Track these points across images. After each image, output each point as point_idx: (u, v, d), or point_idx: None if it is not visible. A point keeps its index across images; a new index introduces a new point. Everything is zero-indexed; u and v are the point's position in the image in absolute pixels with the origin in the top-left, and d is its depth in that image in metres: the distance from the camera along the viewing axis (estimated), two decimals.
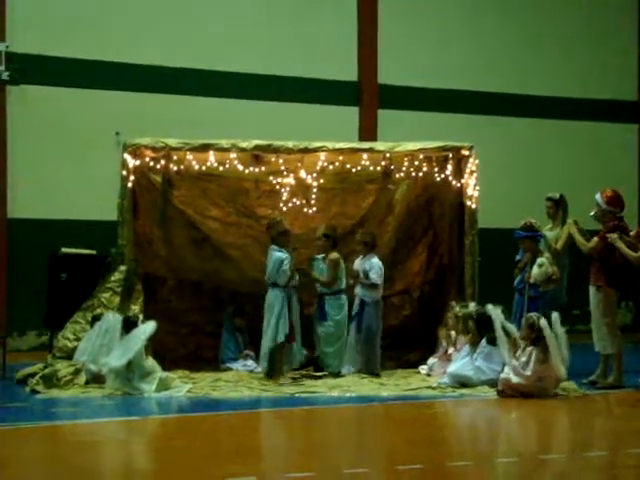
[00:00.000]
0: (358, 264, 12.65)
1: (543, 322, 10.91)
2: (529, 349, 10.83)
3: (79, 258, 13.43)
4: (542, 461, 7.98)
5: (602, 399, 11.14)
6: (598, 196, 11.71)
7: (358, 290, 12.57)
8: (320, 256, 12.55)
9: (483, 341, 11.47)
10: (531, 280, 11.97)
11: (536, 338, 10.86)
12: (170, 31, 16.42)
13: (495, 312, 11.43)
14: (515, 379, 10.77)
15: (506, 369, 10.95)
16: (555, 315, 11.09)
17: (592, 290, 11.68)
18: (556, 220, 12.93)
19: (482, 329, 11.55)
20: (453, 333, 12.37)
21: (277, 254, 12.12)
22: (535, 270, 11.94)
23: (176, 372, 12.04)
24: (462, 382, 11.38)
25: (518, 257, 12.62)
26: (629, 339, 13.44)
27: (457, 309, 12.26)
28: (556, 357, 10.88)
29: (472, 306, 12.05)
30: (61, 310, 12.67)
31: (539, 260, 11.98)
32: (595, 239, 11.61)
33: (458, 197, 13.17)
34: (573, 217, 12.48)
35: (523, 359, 10.84)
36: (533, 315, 11.12)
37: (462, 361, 11.58)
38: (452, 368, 11.61)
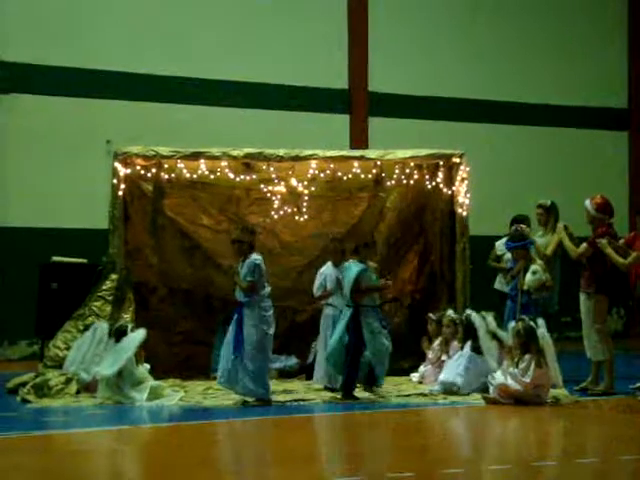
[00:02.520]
0: (335, 273, 12.01)
1: (540, 331, 10.94)
2: (528, 356, 10.82)
3: (70, 267, 13.39)
4: (534, 468, 7.97)
5: (593, 406, 11.13)
6: (587, 203, 11.73)
7: (339, 301, 11.82)
8: (360, 266, 11.33)
9: (468, 349, 11.54)
10: (525, 287, 11.99)
11: (525, 344, 10.86)
12: (161, 40, 16.44)
13: (479, 320, 11.49)
14: (514, 386, 10.76)
15: (499, 375, 10.94)
16: (540, 322, 11.11)
17: (583, 297, 11.70)
18: (547, 227, 12.93)
19: (469, 335, 11.64)
20: (438, 341, 12.39)
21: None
22: (529, 277, 11.97)
23: (167, 380, 12.04)
24: (452, 389, 11.39)
25: (510, 264, 12.64)
26: (620, 345, 13.45)
27: (453, 315, 12.24)
28: (553, 363, 10.92)
29: (450, 312, 12.17)
30: (52, 319, 12.63)
31: (533, 267, 12.01)
32: (584, 245, 11.63)
33: (449, 204, 13.21)
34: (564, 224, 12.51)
35: (522, 366, 10.83)
36: (518, 323, 11.13)
37: (452, 368, 11.59)
38: (443, 376, 11.62)
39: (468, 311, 12.06)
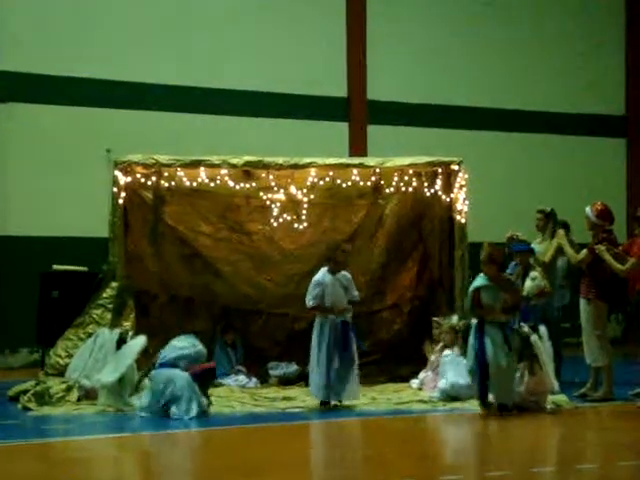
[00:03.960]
0: (333, 282, 11.39)
1: (533, 338, 10.98)
2: (521, 365, 10.85)
3: (70, 275, 13.45)
4: (533, 474, 8.01)
5: (593, 412, 11.16)
6: (588, 209, 11.75)
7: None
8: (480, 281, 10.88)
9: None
10: (524, 293, 12.04)
11: (519, 352, 10.90)
12: (160, 48, 16.49)
13: None
14: None
15: None
16: (542, 329, 11.17)
17: (582, 303, 11.72)
18: (545, 233, 12.97)
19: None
20: (438, 347, 12.40)
21: None
22: (528, 283, 12.01)
23: None
24: (453, 395, 11.41)
25: (508, 271, 12.68)
26: (619, 351, 13.47)
27: (454, 321, 12.25)
28: (549, 369, 10.94)
29: (455, 319, 12.18)
30: (53, 327, 12.68)
31: (532, 274, 12.06)
32: (584, 251, 11.68)
33: (448, 212, 13.26)
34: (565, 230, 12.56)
35: (517, 374, 10.87)
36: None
37: (453, 375, 11.60)
38: (442, 383, 11.62)
39: (455, 318, 12.08)
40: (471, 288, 10.95)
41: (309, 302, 11.35)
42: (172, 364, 10.91)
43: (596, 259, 11.49)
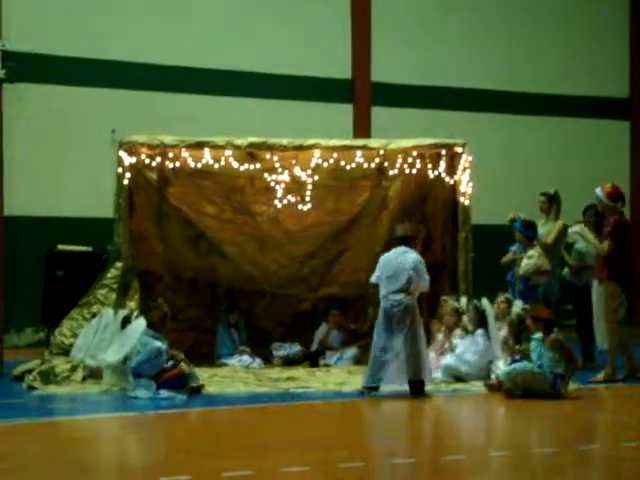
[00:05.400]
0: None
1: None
2: (518, 347, 10.91)
3: (75, 255, 13.50)
4: (535, 454, 8.06)
5: (595, 393, 11.21)
6: (599, 191, 11.64)
7: (404, 296, 10.81)
8: None
9: (478, 335, 11.60)
10: (520, 272, 12.02)
11: (518, 333, 10.97)
12: (165, 29, 16.50)
13: (489, 307, 11.55)
14: None
15: (501, 365, 11.02)
16: None
17: (595, 284, 11.68)
18: (549, 215, 12.97)
19: (483, 322, 11.68)
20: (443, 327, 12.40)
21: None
22: (525, 262, 12.01)
23: None
24: (455, 374, 11.46)
25: (514, 249, 12.70)
26: (624, 333, 13.48)
27: (458, 304, 12.25)
28: None
29: (463, 301, 12.16)
30: (58, 307, 12.73)
31: (529, 252, 12.08)
32: (607, 242, 11.50)
33: (451, 194, 13.26)
34: (564, 212, 12.55)
35: (517, 356, 10.92)
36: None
37: (456, 354, 11.64)
38: (447, 360, 11.67)
39: (484, 300, 12.05)
40: (532, 337, 10.70)
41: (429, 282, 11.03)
42: (137, 374, 10.71)
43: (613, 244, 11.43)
